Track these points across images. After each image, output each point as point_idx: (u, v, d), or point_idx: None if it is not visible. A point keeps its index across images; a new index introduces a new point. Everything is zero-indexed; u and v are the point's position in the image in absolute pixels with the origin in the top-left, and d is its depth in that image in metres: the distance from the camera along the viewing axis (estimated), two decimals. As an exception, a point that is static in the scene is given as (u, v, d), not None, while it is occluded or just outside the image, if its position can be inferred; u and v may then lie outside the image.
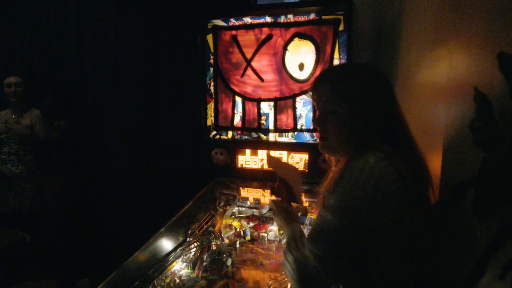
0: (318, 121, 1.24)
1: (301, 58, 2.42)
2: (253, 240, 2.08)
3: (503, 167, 0.77)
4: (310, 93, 2.42)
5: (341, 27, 2.31)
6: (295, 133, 2.50)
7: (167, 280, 1.70)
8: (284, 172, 1.47)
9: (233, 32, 2.54)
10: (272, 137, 2.56)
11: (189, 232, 2.08)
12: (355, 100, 1.16)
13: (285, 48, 2.43)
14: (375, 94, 1.17)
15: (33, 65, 3.73)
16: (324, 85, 1.23)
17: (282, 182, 1.45)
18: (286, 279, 1.64)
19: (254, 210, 2.32)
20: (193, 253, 1.91)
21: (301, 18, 2.39)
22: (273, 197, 1.50)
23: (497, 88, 0.95)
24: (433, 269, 1.04)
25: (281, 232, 1.99)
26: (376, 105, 1.16)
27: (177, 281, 1.66)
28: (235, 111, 2.63)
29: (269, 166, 1.72)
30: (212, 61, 2.64)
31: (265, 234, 2.07)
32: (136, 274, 1.74)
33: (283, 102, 2.49)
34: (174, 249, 1.94)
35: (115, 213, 3.49)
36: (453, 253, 1.24)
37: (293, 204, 1.44)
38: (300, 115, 2.48)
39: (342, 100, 1.17)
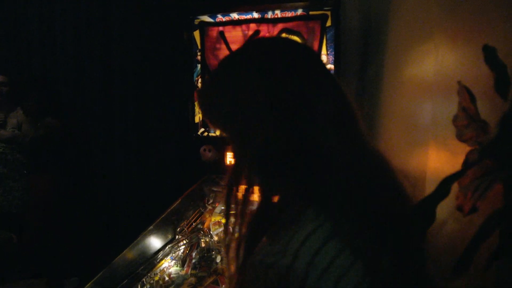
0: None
1: (289, 53, 2.41)
2: (242, 236, 2.07)
3: (487, 160, 0.77)
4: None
5: (328, 23, 2.31)
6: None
7: (156, 278, 1.69)
8: None
9: (220, 28, 2.53)
10: (260, 133, 2.55)
11: (178, 229, 2.07)
12: (215, 119, 0.80)
13: (272, 44, 2.42)
14: (246, 103, 0.71)
15: (17, 64, 3.67)
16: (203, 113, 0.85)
17: None
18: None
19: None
20: (182, 250, 1.90)
21: (289, 14, 2.38)
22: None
23: (481, 82, 0.95)
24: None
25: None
26: (277, 128, 0.68)
27: (166, 278, 1.66)
28: (223, 108, 2.62)
29: None
30: (199, 57, 2.62)
31: (254, 231, 2.06)
32: (125, 272, 1.74)
33: (271, 98, 2.48)
34: (163, 247, 1.93)
35: (104, 211, 3.46)
36: (437, 248, 1.25)
37: None
38: (289, 111, 2.47)
39: (208, 118, 0.83)
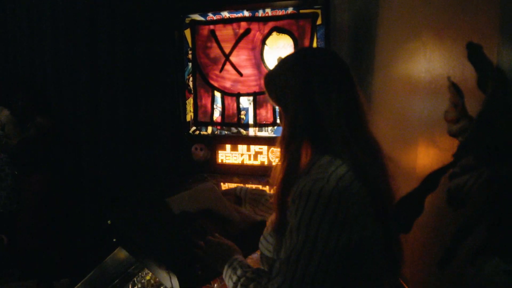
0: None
1: (280, 52, 2.41)
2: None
3: (472, 155, 0.78)
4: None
5: (319, 21, 2.32)
6: (275, 127, 2.50)
7: (147, 277, 1.69)
8: (200, 203, 1.49)
9: (211, 26, 2.53)
10: (252, 131, 2.56)
11: (170, 228, 2.06)
12: (281, 100, 1.08)
13: (263, 42, 2.43)
14: (304, 96, 1.02)
15: (2, 63, 3.64)
16: (264, 81, 1.16)
17: (204, 216, 1.43)
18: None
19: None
20: (173, 249, 1.90)
21: (279, 12, 2.38)
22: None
23: (468, 79, 0.96)
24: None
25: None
26: (307, 108, 1.02)
27: (157, 278, 1.65)
28: (215, 106, 2.62)
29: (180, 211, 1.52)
30: (190, 56, 2.62)
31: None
32: (115, 272, 1.73)
33: (263, 97, 2.49)
34: (155, 246, 1.92)
35: (94, 211, 3.44)
36: (424, 241, 1.26)
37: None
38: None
39: (273, 99, 1.12)
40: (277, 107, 1.25)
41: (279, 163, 1.08)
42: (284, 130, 1.07)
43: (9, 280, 2.98)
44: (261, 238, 1.19)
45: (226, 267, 1.14)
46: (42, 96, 3.36)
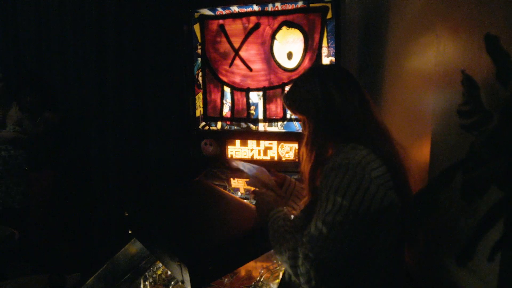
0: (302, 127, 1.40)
1: (290, 46, 2.40)
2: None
3: (490, 149, 0.77)
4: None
5: (329, 15, 2.30)
6: (285, 122, 2.49)
7: (159, 272, 1.69)
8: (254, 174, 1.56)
9: (220, 21, 2.52)
10: (261, 127, 2.55)
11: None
12: (306, 111, 1.28)
13: (273, 37, 2.42)
14: (325, 99, 1.23)
15: (9, 58, 3.65)
16: (284, 102, 1.38)
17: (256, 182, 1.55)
18: (277, 268, 1.64)
19: (245, 200, 2.32)
20: (184, 244, 1.90)
21: (289, 6, 2.37)
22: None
23: (484, 72, 0.95)
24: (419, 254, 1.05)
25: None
26: (329, 109, 1.23)
27: (169, 272, 1.66)
28: (224, 101, 2.62)
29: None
30: (199, 51, 2.62)
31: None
32: (127, 267, 1.74)
33: (272, 92, 2.48)
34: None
35: (105, 206, 3.46)
36: (441, 237, 1.25)
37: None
38: (289, 104, 2.47)
39: (297, 112, 1.33)
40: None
41: (306, 160, 1.27)
42: (310, 133, 1.27)
43: (21, 274, 3.00)
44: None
45: (271, 214, 1.27)
46: (50, 91, 3.37)
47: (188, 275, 1.21)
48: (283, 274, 1.51)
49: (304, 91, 1.28)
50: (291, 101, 1.34)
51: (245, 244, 1.37)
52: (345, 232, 1.03)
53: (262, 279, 1.56)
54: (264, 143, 2.54)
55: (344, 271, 1.07)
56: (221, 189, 1.84)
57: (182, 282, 1.28)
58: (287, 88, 2.43)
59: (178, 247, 1.31)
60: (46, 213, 3.32)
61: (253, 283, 1.53)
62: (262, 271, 1.61)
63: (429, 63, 1.42)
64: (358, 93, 1.27)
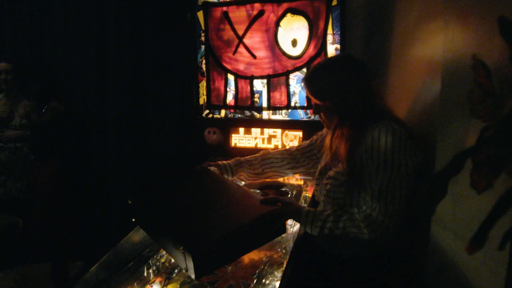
0: (314, 111, 1.56)
1: (294, 34, 2.37)
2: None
3: (501, 136, 0.75)
4: (304, 69, 2.39)
5: (334, 2, 2.27)
6: (289, 110, 2.47)
7: (162, 260, 1.69)
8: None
9: (224, 8, 2.49)
10: (265, 115, 2.53)
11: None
12: (327, 96, 1.44)
13: (277, 24, 2.39)
14: (343, 88, 1.40)
15: (13, 52, 3.63)
16: (305, 86, 1.52)
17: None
18: (281, 256, 1.63)
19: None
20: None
21: (294, -7, 2.33)
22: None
23: (495, 57, 0.92)
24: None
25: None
26: (348, 96, 1.40)
27: (172, 260, 1.65)
28: (228, 89, 2.60)
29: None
30: (203, 38, 2.59)
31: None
32: (130, 255, 1.73)
33: (276, 79, 2.46)
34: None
35: (108, 195, 3.46)
36: (450, 227, 1.23)
37: None
38: (294, 92, 2.45)
39: (318, 98, 1.48)
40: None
41: (342, 142, 1.41)
42: (343, 115, 1.42)
43: (25, 263, 3.02)
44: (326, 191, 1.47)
45: (303, 215, 1.40)
46: (54, 81, 3.36)
47: (192, 263, 1.20)
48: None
49: (336, 79, 1.42)
50: (319, 88, 1.46)
51: (249, 233, 1.36)
52: (404, 191, 1.26)
53: (266, 267, 1.55)
54: (268, 131, 2.52)
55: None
56: (224, 177, 1.83)
57: (186, 270, 1.27)
58: (291, 76, 2.43)
59: (182, 235, 1.30)
60: (51, 202, 3.33)
61: (257, 271, 1.53)
62: (266, 259, 1.60)
63: (437, 50, 1.39)
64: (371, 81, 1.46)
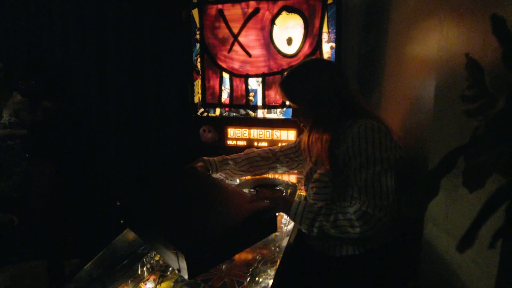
0: (292, 115, 1.56)
1: (289, 32, 2.37)
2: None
3: (493, 135, 0.75)
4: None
5: (329, 0, 2.27)
6: (284, 109, 2.47)
7: (157, 258, 1.68)
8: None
9: (219, 6, 2.48)
10: (260, 113, 2.53)
11: (178, 210, 2.05)
12: (303, 99, 1.46)
13: (272, 22, 2.38)
14: (317, 90, 1.42)
15: (11, 48, 3.61)
16: (281, 91, 1.52)
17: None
18: (275, 254, 1.63)
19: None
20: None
21: (289, -9, 2.33)
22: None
23: (489, 56, 0.93)
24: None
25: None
26: (322, 97, 1.41)
27: (165, 260, 1.65)
28: (223, 88, 2.59)
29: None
30: (198, 36, 2.58)
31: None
32: (125, 253, 1.73)
33: (271, 78, 2.46)
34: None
35: (103, 192, 3.45)
36: (441, 225, 1.24)
37: None
38: (289, 91, 2.44)
39: (294, 102, 1.50)
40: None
41: (321, 142, 1.43)
42: (319, 119, 1.43)
43: (20, 260, 3.01)
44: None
45: (294, 206, 1.41)
46: (52, 79, 3.34)
47: (185, 263, 1.19)
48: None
49: (313, 82, 1.43)
50: (295, 92, 1.47)
51: (241, 231, 1.36)
52: (391, 183, 1.28)
53: (259, 266, 1.55)
54: (262, 130, 2.52)
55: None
56: (214, 176, 1.85)
57: (178, 270, 1.26)
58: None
59: (174, 235, 1.28)
60: (47, 201, 3.32)
61: (250, 269, 1.52)
62: (260, 258, 1.60)
63: (432, 48, 1.40)
64: (349, 85, 1.47)
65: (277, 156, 1.88)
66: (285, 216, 1.81)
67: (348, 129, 1.37)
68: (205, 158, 1.90)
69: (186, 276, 1.23)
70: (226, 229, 1.32)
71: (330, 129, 1.41)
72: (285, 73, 2.33)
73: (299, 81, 1.46)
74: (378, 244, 1.42)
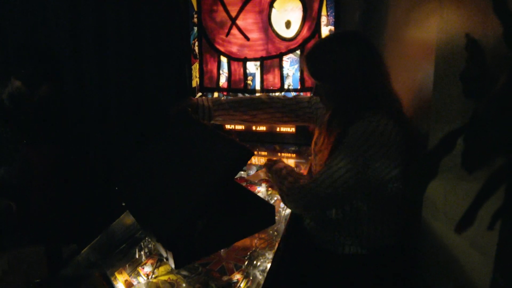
0: (313, 91, 1.44)
1: (288, 15, 2.34)
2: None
3: (494, 115, 0.74)
4: (298, 52, 2.36)
5: (328, -17, 2.23)
6: (282, 93, 2.45)
7: (154, 242, 1.69)
8: None
9: (217, -11, 2.45)
10: (258, 98, 2.51)
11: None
12: (325, 78, 1.35)
13: (271, 5, 2.35)
14: (343, 70, 1.30)
15: (8, 34, 3.57)
16: (305, 64, 1.39)
17: None
18: (273, 238, 1.63)
19: (242, 172, 2.30)
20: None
21: (287, -27, 2.29)
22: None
23: (490, 35, 0.91)
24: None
25: (269, 193, 1.98)
26: (347, 79, 1.29)
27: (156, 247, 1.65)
28: (221, 72, 2.57)
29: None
30: (196, 20, 2.55)
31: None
32: (122, 237, 1.73)
33: (270, 62, 2.43)
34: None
35: (101, 178, 3.45)
36: (440, 208, 1.23)
37: None
38: (287, 75, 2.42)
39: (316, 78, 1.38)
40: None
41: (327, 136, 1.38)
42: (339, 101, 1.36)
43: (18, 245, 3.02)
44: None
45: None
46: (50, 64, 3.31)
47: (171, 254, 1.17)
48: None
49: (339, 58, 1.31)
50: (317, 68, 1.36)
51: (234, 224, 1.33)
52: (343, 185, 1.25)
53: (257, 249, 1.55)
54: (261, 115, 2.51)
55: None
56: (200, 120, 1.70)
57: (167, 259, 1.24)
58: (285, 58, 2.40)
59: (161, 227, 1.20)
60: (44, 187, 3.31)
61: (248, 253, 1.53)
62: (257, 242, 1.60)
63: (432, 31, 1.38)
64: (383, 65, 1.35)
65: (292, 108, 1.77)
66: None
67: (355, 123, 1.30)
68: (198, 100, 1.73)
69: (173, 266, 1.20)
70: (216, 222, 1.25)
71: (344, 121, 1.32)
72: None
73: (325, 54, 1.34)
74: (381, 245, 1.41)
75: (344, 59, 1.30)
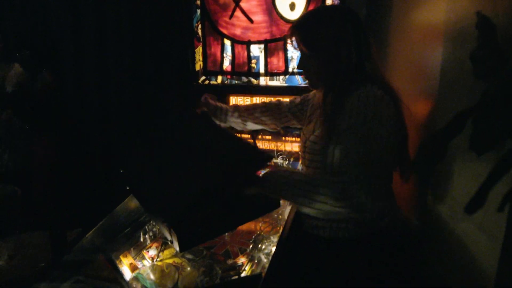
0: (299, 63, 1.39)
1: (292, -3, 2.30)
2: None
3: (504, 96, 0.72)
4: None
5: (334, -37, 2.19)
6: (287, 76, 2.42)
7: (159, 225, 1.69)
8: None
9: (220, -30, 2.41)
10: (263, 81, 2.49)
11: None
12: (320, 47, 1.29)
13: (275, -14, 2.31)
14: (339, 40, 1.25)
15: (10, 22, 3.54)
16: (295, 34, 1.33)
17: None
18: (278, 221, 1.63)
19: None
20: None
21: (292, -47, 2.25)
22: None
23: (500, 15, 0.89)
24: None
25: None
26: (342, 49, 1.25)
27: (160, 230, 1.65)
28: (224, 55, 2.54)
29: None
30: (199, 2, 2.51)
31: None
32: (127, 221, 1.73)
33: (274, 44, 2.40)
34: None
35: (105, 162, 3.45)
36: (448, 190, 1.22)
37: None
38: (292, 58, 2.39)
39: (309, 48, 1.31)
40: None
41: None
42: (329, 73, 1.29)
43: (23, 230, 3.04)
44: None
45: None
46: (49, 48, 3.29)
47: (176, 236, 1.17)
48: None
49: (325, 28, 1.27)
50: (312, 33, 1.31)
51: (238, 208, 1.30)
52: (374, 158, 1.15)
53: (262, 233, 1.55)
54: (265, 98, 2.48)
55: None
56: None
57: (171, 242, 1.23)
58: (289, 41, 2.37)
59: (166, 209, 1.21)
60: (48, 172, 3.33)
61: (253, 236, 1.53)
62: (262, 226, 1.60)
63: (440, 12, 1.35)
64: (371, 39, 1.32)
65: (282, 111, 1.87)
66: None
67: (350, 96, 1.23)
68: (217, 104, 1.85)
69: (177, 249, 1.19)
70: (221, 205, 1.25)
71: (338, 93, 1.26)
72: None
73: (320, 22, 1.30)
74: (374, 227, 1.30)
75: (340, 27, 1.27)
